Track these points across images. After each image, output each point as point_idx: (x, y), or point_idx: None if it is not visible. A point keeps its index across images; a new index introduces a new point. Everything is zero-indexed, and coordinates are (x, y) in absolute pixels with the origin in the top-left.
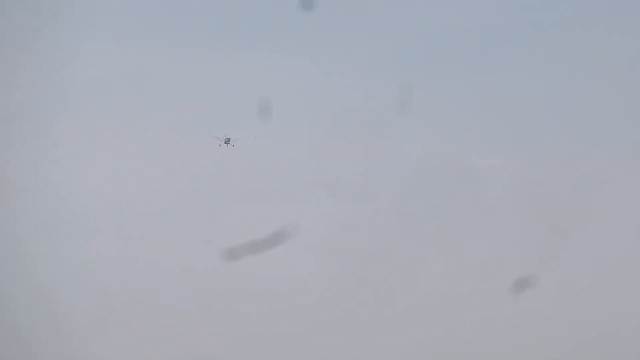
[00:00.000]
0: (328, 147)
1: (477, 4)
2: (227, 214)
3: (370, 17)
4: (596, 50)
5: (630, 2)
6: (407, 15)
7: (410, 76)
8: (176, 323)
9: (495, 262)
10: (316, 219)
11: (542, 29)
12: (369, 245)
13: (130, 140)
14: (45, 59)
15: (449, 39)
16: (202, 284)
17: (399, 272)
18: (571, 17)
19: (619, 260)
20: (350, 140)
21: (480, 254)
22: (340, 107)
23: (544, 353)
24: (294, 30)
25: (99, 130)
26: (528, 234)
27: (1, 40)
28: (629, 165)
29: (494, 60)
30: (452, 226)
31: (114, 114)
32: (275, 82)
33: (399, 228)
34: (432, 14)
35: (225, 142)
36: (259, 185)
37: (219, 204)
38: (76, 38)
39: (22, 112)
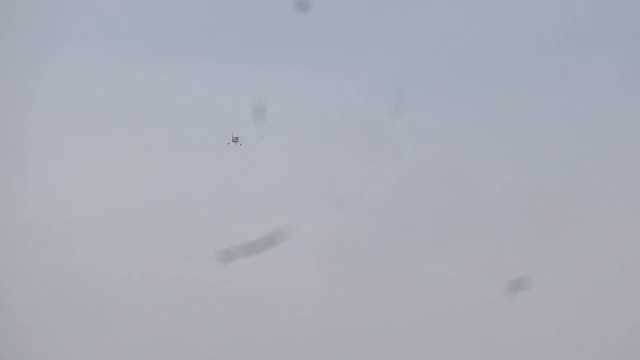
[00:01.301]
0: (326, 152)
1: (482, 21)
2: (224, 219)
3: (371, 26)
4: (602, 71)
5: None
6: (412, 20)
7: (409, 81)
8: (171, 328)
9: (493, 266)
10: (312, 223)
11: (549, 47)
12: (365, 249)
13: (126, 147)
14: (41, 69)
15: (453, 50)
16: (199, 291)
17: (395, 276)
18: (579, 37)
19: (615, 265)
20: (348, 146)
21: (478, 258)
22: (339, 113)
23: (542, 356)
24: (291, 34)
25: (94, 138)
26: (525, 238)
27: None
28: (627, 173)
29: (498, 77)
30: (450, 230)
31: (110, 122)
32: (272, 87)
33: (396, 232)
34: (438, 23)
35: (234, 141)
36: (256, 189)
37: (216, 210)
38: (75, 49)
39: (18, 123)
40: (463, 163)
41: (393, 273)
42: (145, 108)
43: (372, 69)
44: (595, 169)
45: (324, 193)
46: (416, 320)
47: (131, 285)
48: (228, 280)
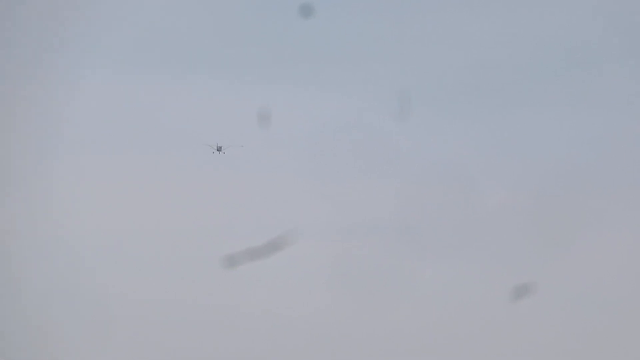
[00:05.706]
0: (329, 165)
1: (490, 37)
2: (226, 223)
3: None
4: (611, 88)
5: None
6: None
7: (414, 96)
8: (175, 340)
9: (498, 273)
10: (314, 228)
11: (563, 67)
12: (366, 255)
13: (125, 153)
14: (44, 92)
15: (460, 67)
16: (201, 305)
17: (399, 286)
18: (593, 57)
19: (619, 272)
20: (351, 159)
21: (485, 267)
22: (342, 126)
23: None
24: (294, 48)
25: (93, 154)
26: (529, 246)
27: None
28: (632, 180)
29: (504, 91)
30: (455, 240)
31: (104, 138)
32: (275, 93)
33: (398, 238)
34: (445, 40)
35: (218, 150)
36: (257, 194)
37: (218, 213)
38: (76, 71)
39: (19, 148)
40: (467, 173)
41: (397, 282)
42: (142, 123)
43: (376, 84)
44: (600, 177)
45: (326, 205)
46: (421, 329)
47: (136, 295)
48: (230, 292)
